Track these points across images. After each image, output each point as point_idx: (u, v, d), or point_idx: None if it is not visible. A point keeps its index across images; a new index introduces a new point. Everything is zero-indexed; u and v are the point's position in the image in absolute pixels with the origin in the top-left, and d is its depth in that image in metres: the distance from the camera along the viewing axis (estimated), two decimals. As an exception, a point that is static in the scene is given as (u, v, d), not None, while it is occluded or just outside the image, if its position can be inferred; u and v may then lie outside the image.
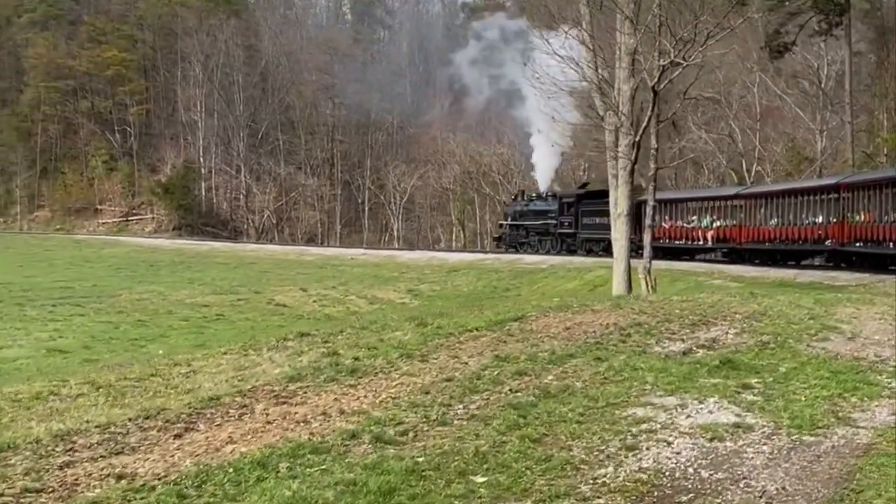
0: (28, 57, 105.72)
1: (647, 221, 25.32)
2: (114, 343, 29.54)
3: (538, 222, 60.55)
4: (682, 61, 22.79)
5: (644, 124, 23.90)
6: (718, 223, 45.66)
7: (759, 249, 43.06)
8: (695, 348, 13.51)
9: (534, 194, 63.61)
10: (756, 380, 11.63)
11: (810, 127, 56.95)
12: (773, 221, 41.52)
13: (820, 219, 38.18)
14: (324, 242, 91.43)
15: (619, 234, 25.42)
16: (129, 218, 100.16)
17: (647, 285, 24.41)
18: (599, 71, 23.85)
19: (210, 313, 42.76)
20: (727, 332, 14.86)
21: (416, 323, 14.67)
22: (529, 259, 57.83)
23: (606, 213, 51.93)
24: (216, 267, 63.80)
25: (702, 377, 11.60)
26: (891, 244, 31.98)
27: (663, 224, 47.80)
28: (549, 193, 62.23)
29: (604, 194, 55.15)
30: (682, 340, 14.00)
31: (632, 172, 24.86)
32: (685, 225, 48.01)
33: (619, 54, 23.82)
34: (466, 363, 11.44)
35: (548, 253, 58.24)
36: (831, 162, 55.47)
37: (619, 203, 25.28)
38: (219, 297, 48.30)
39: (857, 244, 34.89)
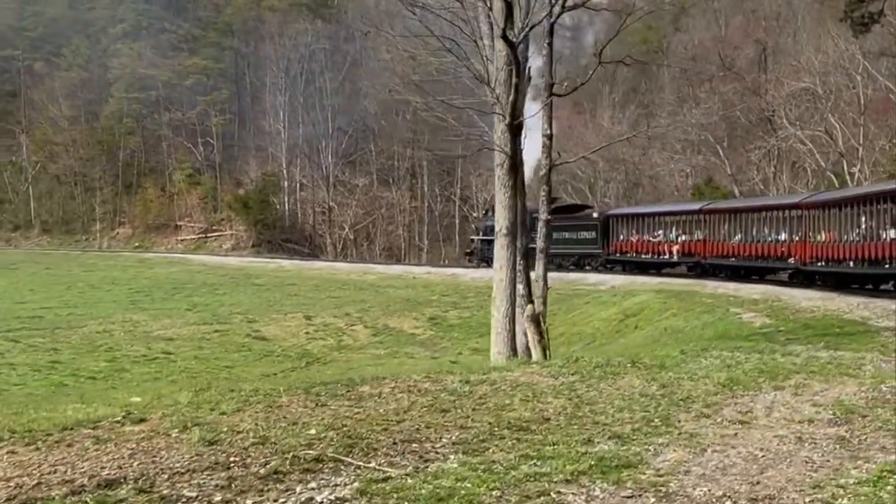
0: (113, 68, 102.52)
1: (539, 243, 17.13)
2: None
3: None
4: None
5: (510, 96, 15.86)
6: (684, 238, 46.12)
7: (723, 265, 43.13)
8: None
9: None
10: None
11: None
12: (738, 237, 41.74)
13: (783, 236, 38.43)
14: (403, 259, 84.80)
15: (498, 262, 17.40)
16: (208, 235, 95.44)
17: (535, 342, 16.39)
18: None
19: (157, 350, 37.00)
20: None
21: None
22: (594, 279, 50.73)
23: (574, 229, 54.45)
24: (248, 289, 57.81)
25: None
26: (850, 263, 32.19)
27: (631, 238, 49.82)
28: None
29: (571, 209, 56.55)
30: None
31: (513, 170, 16.81)
32: (651, 239, 48.48)
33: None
34: None
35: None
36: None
37: (497, 216, 17.33)
38: (197, 327, 42.53)
39: (819, 263, 35.03)
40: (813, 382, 13.24)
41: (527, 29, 15.86)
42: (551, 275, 53.57)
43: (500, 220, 17.17)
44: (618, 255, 51.03)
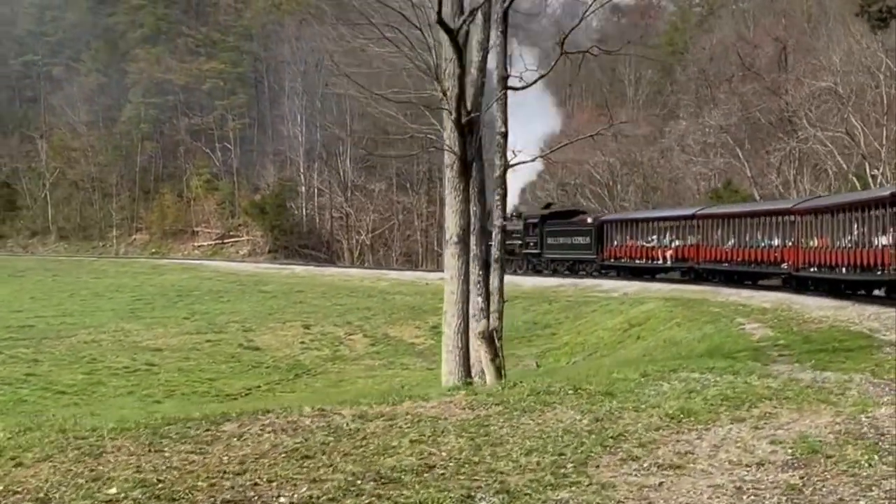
0: (131, 72, 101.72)
1: (494, 252, 15.38)
2: None
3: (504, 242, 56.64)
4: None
5: (453, 88, 14.25)
6: (677, 243, 46.09)
7: (716, 269, 43.22)
8: None
9: None
10: None
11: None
12: (731, 242, 41.74)
13: (776, 242, 38.34)
14: (420, 265, 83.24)
15: (449, 273, 15.78)
16: (225, 240, 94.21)
17: (488, 362, 14.77)
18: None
19: (142, 362, 35.62)
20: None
21: None
22: (608, 285, 49.17)
23: (570, 234, 54.67)
24: (254, 296, 56.48)
25: None
26: (843, 269, 32.15)
27: (625, 244, 50.04)
28: (515, 214, 60.52)
29: (566, 215, 56.98)
30: None
31: (463, 173, 15.18)
32: (645, 244, 48.58)
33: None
34: None
35: (514, 273, 55.79)
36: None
37: (448, 222, 15.74)
38: (189, 337, 41.42)
39: (812, 269, 35.03)
40: (782, 412, 11.65)
41: (467, 14, 14.24)
42: (564, 281, 52.43)
43: (451, 227, 15.54)
44: (612, 260, 51.42)
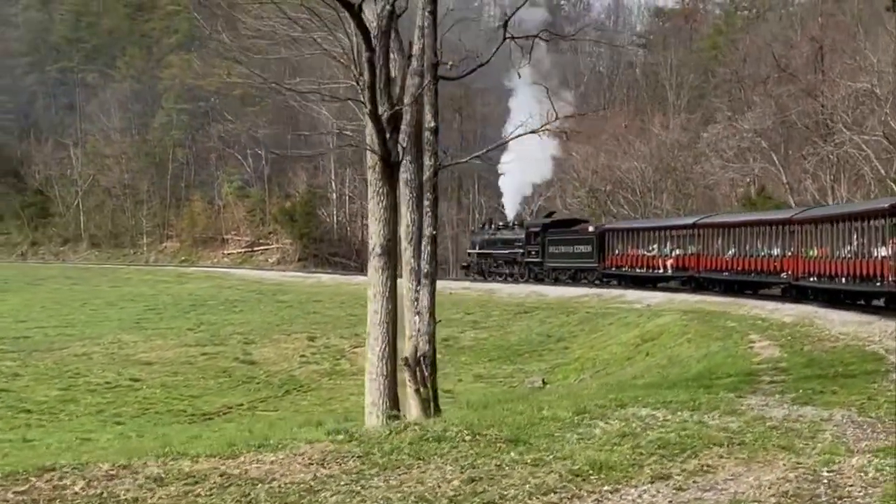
0: (164, 79, 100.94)
1: (424, 266, 13.24)
2: None
3: (506, 251, 60.59)
4: None
5: (367, 78, 12.19)
6: (678, 252, 46.06)
7: (716, 279, 43.27)
8: None
9: (500, 223, 63.76)
10: None
11: None
12: (731, 251, 41.59)
13: (776, 251, 38.24)
14: (448, 273, 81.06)
15: (372, 290, 13.75)
16: (255, 248, 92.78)
17: (412, 393, 12.82)
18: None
19: (126, 376, 33.93)
20: None
21: None
22: (632, 296, 47.20)
23: (571, 242, 54.72)
24: (269, 306, 54.81)
25: None
26: (843, 279, 32.13)
27: (626, 252, 50.06)
28: (516, 222, 62.37)
29: (568, 223, 57.46)
30: None
31: (387, 174, 13.14)
32: (646, 253, 48.50)
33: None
34: None
35: (516, 281, 58.71)
36: None
37: (371, 231, 13.72)
38: (186, 349, 40.09)
39: (812, 279, 34.94)
40: (726, 463, 9.55)
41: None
42: (588, 291, 50.22)
43: (374, 237, 13.53)
44: (613, 269, 51.56)
